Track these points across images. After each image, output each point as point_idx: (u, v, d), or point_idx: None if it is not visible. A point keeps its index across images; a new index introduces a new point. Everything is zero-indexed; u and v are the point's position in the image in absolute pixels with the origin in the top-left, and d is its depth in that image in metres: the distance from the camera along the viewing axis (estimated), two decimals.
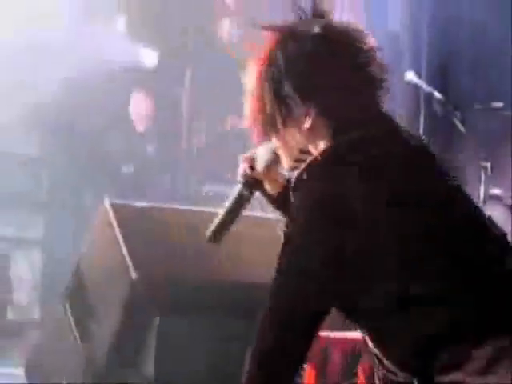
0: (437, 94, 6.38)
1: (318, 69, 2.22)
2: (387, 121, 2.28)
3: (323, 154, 2.20)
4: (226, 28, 7.76)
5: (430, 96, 6.52)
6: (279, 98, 2.23)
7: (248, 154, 2.47)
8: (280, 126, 2.23)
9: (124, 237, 3.26)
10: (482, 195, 6.10)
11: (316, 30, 2.24)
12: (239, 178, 2.49)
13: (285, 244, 2.18)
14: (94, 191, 6.42)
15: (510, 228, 6.75)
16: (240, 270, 2.65)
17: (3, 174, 6.53)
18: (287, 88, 2.21)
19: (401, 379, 2.19)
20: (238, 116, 6.77)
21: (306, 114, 2.20)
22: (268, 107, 2.23)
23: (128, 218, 3.36)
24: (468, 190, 6.49)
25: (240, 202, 2.54)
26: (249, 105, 2.28)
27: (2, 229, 6.86)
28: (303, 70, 2.23)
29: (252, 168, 2.47)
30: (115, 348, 3.25)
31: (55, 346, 3.59)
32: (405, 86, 6.69)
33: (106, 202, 3.39)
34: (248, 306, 2.98)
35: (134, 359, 3.15)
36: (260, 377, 2.20)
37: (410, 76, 6.42)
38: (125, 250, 3.24)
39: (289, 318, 2.19)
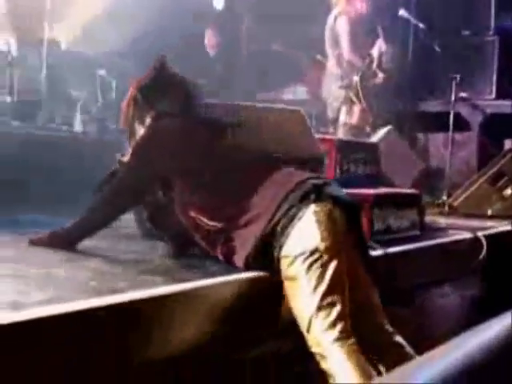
0: (421, 25, 6.36)
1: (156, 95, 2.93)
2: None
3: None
4: None
5: (416, 27, 6.50)
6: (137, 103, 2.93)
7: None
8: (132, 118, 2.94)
9: None
10: (453, 97, 6.06)
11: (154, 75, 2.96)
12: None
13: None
14: None
15: (473, 118, 6.87)
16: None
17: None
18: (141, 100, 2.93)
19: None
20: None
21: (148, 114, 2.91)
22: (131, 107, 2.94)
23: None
24: (442, 94, 6.33)
25: None
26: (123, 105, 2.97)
27: None
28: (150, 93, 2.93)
29: None
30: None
31: None
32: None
33: None
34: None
35: None
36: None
37: (402, 12, 6.40)
38: None
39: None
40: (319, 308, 2.35)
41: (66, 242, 2.87)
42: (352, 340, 2.35)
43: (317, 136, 3.85)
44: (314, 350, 2.37)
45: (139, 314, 2.15)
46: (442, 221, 5.12)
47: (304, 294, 2.38)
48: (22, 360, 1.81)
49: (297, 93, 7.50)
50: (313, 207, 2.43)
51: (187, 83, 3.01)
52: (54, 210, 3.63)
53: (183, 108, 2.90)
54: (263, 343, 2.60)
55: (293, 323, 2.46)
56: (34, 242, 2.92)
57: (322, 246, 2.37)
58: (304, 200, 2.46)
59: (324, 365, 2.35)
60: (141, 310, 2.16)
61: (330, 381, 2.33)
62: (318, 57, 6.47)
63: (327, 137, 4.43)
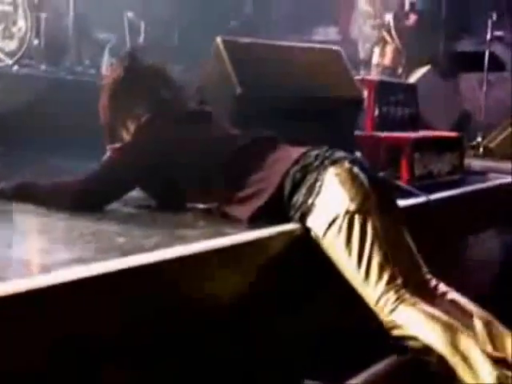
0: None
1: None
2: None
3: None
4: None
5: None
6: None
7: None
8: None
9: (232, 63, 2.96)
10: (488, 36, 5.67)
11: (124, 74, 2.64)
12: None
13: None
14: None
15: (509, 58, 6.45)
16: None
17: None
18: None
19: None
20: None
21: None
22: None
23: (235, 49, 3.04)
24: (478, 33, 5.85)
25: None
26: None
27: None
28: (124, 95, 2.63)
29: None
30: None
31: None
32: None
33: (218, 39, 3.07)
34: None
35: None
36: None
37: None
38: (232, 73, 2.94)
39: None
40: (368, 274, 2.12)
41: (29, 197, 2.50)
42: (408, 295, 2.11)
43: (355, 77, 3.50)
44: (382, 318, 2.12)
45: (175, 272, 1.86)
46: (478, 164, 4.78)
47: (348, 263, 2.16)
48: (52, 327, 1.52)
49: (328, 33, 7.09)
50: (332, 170, 2.23)
51: (160, 74, 2.69)
52: (80, 155, 3.31)
53: (161, 104, 2.59)
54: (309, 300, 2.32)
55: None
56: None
57: (352, 206, 2.16)
58: (318, 166, 2.25)
59: (396, 331, 2.09)
60: (179, 269, 1.87)
61: (412, 344, 2.08)
62: None
63: (366, 77, 4.08)
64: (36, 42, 5.27)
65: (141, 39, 5.99)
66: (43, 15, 5.38)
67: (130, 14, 6.04)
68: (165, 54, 6.21)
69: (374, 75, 5.58)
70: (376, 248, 2.13)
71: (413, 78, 4.93)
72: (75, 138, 3.79)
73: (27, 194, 2.50)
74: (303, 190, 2.24)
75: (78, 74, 5.30)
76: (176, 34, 6.53)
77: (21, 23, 5.10)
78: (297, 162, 2.30)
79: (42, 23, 5.35)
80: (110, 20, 5.98)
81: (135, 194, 2.62)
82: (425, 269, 2.31)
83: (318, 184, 2.22)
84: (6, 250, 1.90)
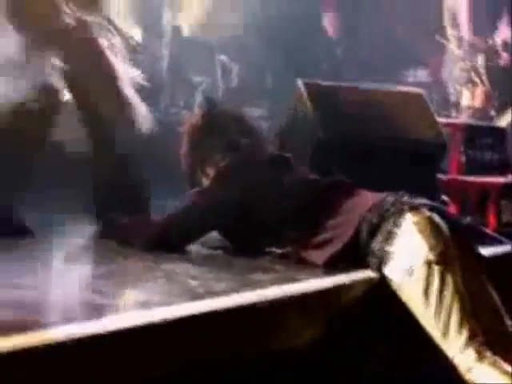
0: None
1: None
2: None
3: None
4: None
5: None
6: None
7: None
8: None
9: (313, 106, 2.94)
10: None
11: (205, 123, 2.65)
12: None
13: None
14: None
15: None
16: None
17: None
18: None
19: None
20: None
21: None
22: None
23: (316, 92, 3.03)
24: None
25: None
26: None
27: None
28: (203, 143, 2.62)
29: None
30: None
31: None
32: None
33: (299, 82, 3.06)
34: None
35: None
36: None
37: None
38: (314, 116, 2.92)
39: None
40: (447, 329, 2.02)
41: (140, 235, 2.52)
42: (489, 353, 1.99)
43: (440, 120, 3.42)
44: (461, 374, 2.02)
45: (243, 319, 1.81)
46: None
47: (426, 316, 2.06)
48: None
49: (418, 76, 7.00)
50: (410, 217, 2.13)
51: (238, 119, 2.68)
52: (168, 193, 3.36)
53: (239, 149, 2.57)
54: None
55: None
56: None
57: (431, 255, 2.06)
58: (395, 213, 2.16)
59: None
60: (249, 315, 1.82)
61: None
62: (437, 38, 5.95)
63: (451, 120, 3.98)
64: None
65: (234, 82, 6.04)
66: (140, 57, 5.51)
67: (222, 57, 6.12)
68: (257, 97, 6.28)
69: (464, 118, 5.45)
70: (456, 302, 2.03)
71: (504, 121, 4.78)
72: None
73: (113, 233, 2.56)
74: (380, 237, 2.17)
75: (172, 115, 5.40)
76: (269, 76, 6.55)
77: None
78: (374, 207, 2.24)
79: (139, 66, 5.48)
80: (203, 63, 6.07)
81: (213, 233, 2.62)
82: (509, 322, 2.19)
83: (396, 231, 2.15)
84: (76, 291, 1.90)
